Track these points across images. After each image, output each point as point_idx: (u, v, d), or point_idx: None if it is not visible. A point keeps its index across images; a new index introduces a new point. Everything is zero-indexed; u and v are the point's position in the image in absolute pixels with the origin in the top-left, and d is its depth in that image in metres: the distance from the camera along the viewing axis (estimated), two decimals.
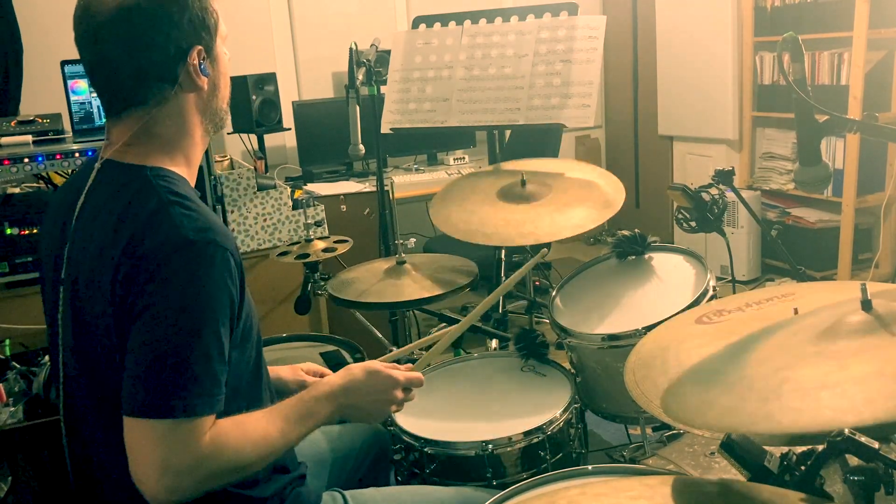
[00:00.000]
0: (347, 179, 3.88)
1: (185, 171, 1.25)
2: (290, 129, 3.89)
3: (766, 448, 0.89)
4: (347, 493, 1.42)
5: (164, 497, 1.06)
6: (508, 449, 1.58)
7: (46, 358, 2.03)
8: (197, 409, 1.08)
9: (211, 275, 1.10)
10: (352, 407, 1.30)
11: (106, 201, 1.18)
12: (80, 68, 2.63)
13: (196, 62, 1.20)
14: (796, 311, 1.16)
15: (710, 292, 1.76)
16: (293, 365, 1.60)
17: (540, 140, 3.84)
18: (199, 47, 1.20)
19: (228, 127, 3.12)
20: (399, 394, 1.36)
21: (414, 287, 2.00)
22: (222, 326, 1.12)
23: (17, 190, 2.78)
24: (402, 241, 2.23)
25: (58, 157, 2.30)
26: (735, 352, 1.07)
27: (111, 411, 1.15)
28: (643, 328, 1.68)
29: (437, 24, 2.59)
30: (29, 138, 2.44)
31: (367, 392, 1.32)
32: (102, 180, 1.21)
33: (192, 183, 1.27)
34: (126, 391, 1.09)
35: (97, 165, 1.22)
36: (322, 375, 1.61)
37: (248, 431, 1.15)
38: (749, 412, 0.87)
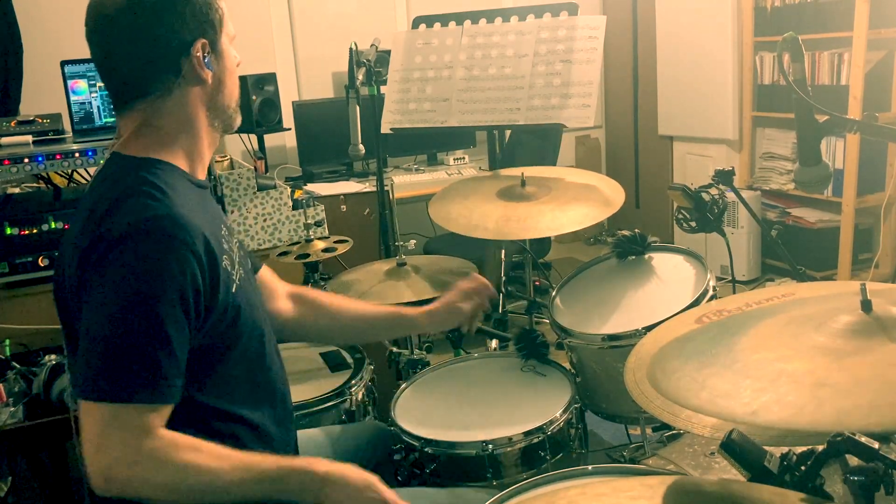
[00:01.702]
0: (347, 179, 3.88)
1: (186, 164, 1.26)
2: (290, 129, 3.89)
3: (766, 448, 0.88)
4: None
5: (97, 482, 1.06)
6: (508, 449, 1.58)
7: (46, 358, 2.03)
8: (134, 395, 1.07)
9: (155, 266, 1.10)
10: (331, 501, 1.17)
11: (91, 192, 1.21)
12: (80, 68, 2.64)
13: (200, 55, 1.22)
14: None
15: (710, 292, 1.76)
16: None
17: (540, 140, 3.84)
18: (204, 41, 1.22)
19: None
20: None
21: (414, 289, 2.00)
22: (168, 317, 1.10)
23: (17, 190, 2.79)
24: (402, 243, 2.22)
25: (58, 157, 2.30)
26: (724, 334, 1.07)
27: None
28: (643, 328, 1.67)
29: (437, 25, 2.59)
30: (29, 138, 2.44)
31: (353, 497, 1.18)
32: (103, 172, 1.24)
33: (202, 177, 1.29)
34: (75, 373, 1.11)
35: (105, 157, 1.26)
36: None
37: (202, 456, 1.11)
38: (745, 401, 0.87)
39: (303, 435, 1.55)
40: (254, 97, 3.59)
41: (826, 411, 0.82)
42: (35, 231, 2.33)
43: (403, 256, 2.12)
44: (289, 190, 3.00)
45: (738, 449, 0.86)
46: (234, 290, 1.22)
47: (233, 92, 1.32)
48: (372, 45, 2.57)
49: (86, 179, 2.87)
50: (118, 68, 1.22)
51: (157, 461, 1.07)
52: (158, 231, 1.11)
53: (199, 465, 1.10)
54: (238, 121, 1.35)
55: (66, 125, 2.68)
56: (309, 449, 1.52)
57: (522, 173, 2.07)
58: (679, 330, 1.28)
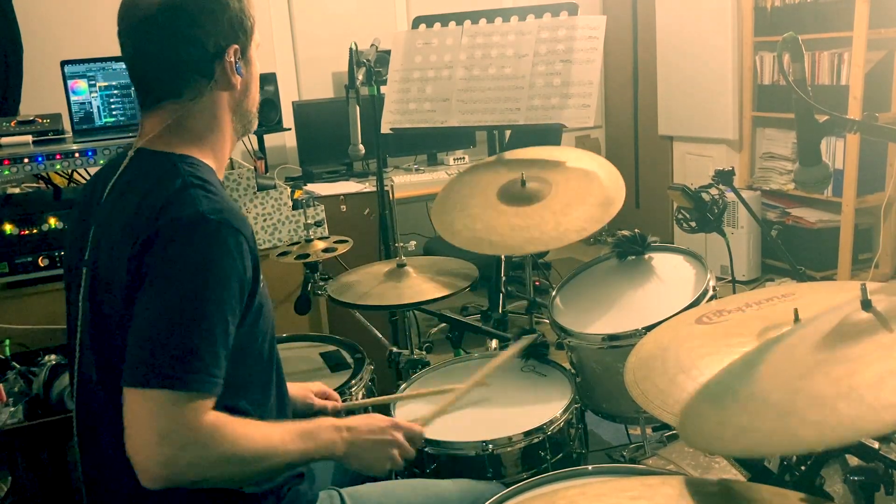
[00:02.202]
0: (347, 179, 3.88)
1: (213, 164, 1.29)
2: (290, 129, 3.89)
3: None
4: (344, 490, 1.43)
5: (155, 470, 1.06)
6: (508, 449, 1.58)
7: (46, 358, 2.03)
8: (196, 384, 1.08)
9: (221, 255, 1.13)
10: (353, 445, 1.31)
11: (132, 184, 1.22)
12: (80, 68, 2.64)
13: (232, 60, 1.25)
14: (796, 314, 1.15)
15: (710, 292, 1.76)
16: (303, 383, 1.63)
17: (540, 140, 3.80)
18: (236, 46, 1.25)
19: None
20: (399, 435, 1.38)
21: (414, 290, 2.00)
22: (228, 308, 1.13)
23: (17, 190, 2.78)
24: (402, 244, 2.22)
25: (58, 157, 2.30)
26: (744, 367, 1.06)
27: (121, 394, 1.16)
28: (643, 328, 1.68)
29: (437, 25, 2.59)
30: (29, 138, 2.44)
31: (368, 430, 1.34)
32: (132, 167, 1.25)
33: (221, 178, 1.31)
34: (128, 361, 1.10)
35: (130, 153, 1.26)
36: (327, 396, 1.65)
37: (251, 427, 1.16)
38: (768, 430, 0.85)
39: None
40: None
41: (845, 422, 0.81)
42: (35, 231, 2.32)
43: (404, 258, 2.12)
44: (289, 190, 2.99)
45: None
46: (261, 287, 1.25)
47: (255, 98, 1.35)
48: (372, 45, 2.57)
49: (85, 179, 2.87)
50: (152, 68, 1.23)
51: (212, 435, 1.09)
52: (224, 222, 1.14)
53: (251, 434, 1.15)
54: (255, 126, 1.38)
55: (66, 125, 2.68)
56: None
57: (522, 174, 2.06)
58: (679, 330, 1.28)
